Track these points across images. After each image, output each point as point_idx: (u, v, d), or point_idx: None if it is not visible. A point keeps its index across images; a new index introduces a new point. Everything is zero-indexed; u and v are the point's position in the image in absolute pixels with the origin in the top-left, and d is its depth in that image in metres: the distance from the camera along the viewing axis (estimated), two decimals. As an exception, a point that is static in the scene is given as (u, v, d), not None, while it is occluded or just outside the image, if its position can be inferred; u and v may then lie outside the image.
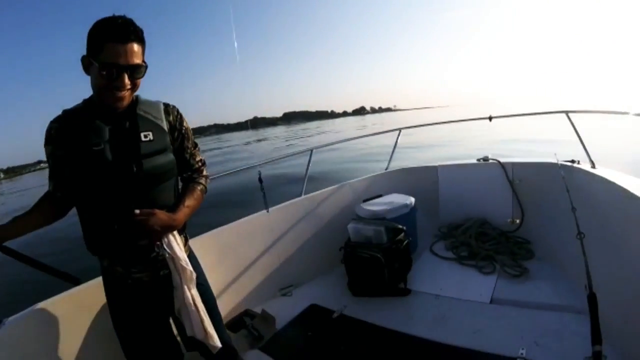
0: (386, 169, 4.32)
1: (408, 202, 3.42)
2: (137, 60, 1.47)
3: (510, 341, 2.22)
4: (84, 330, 2.16)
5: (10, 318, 1.99)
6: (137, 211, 1.49)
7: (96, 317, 2.19)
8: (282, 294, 3.08)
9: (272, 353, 2.28)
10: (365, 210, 3.33)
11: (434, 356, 2.24)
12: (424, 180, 4.13)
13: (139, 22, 1.49)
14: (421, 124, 4.94)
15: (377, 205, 3.38)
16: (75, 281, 1.91)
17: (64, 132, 1.53)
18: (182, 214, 1.63)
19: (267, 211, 3.16)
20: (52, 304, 2.09)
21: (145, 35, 1.52)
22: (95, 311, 2.18)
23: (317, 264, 3.33)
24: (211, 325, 1.69)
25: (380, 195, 3.67)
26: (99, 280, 1.99)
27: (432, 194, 4.06)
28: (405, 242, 2.98)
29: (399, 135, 4.50)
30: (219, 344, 1.69)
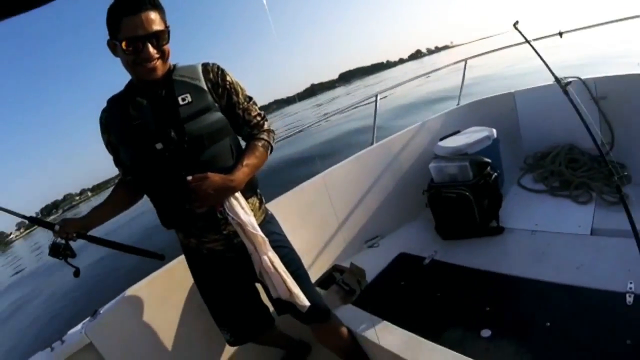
0: (457, 104, 4.01)
1: (489, 133, 3.13)
2: (157, 27, 1.39)
3: (616, 275, 2.02)
4: (175, 307, 2.24)
5: (104, 307, 2.11)
6: (189, 177, 1.42)
7: (186, 292, 2.25)
8: (369, 246, 3.00)
9: (365, 306, 2.20)
10: (445, 147, 3.07)
11: (535, 295, 2.08)
12: (501, 109, 3.81)
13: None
14: (485, 51, 4.52)
15: (456, 141, 3.11)
16: (161, 257, 1.91)
17: (111, 118, 1.55)
18: (241, 173, 1.53)
19: (343, 165, 3.04)
20: (141, 288, 2.18)
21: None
22: (184, 287, 2.24)
23: (402, 210, 3.20)
24: (295, 285, 1.62)
25: (458, 132, 3.39)
26: (182, 256, 2.04)
27: (512, 124, 3.76)
28: (494, 176, 2.74)
29: (465, 66, 4.15)
30: (307, 302, 1.63)
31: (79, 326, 2.09)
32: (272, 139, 1.70)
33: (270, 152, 1.70)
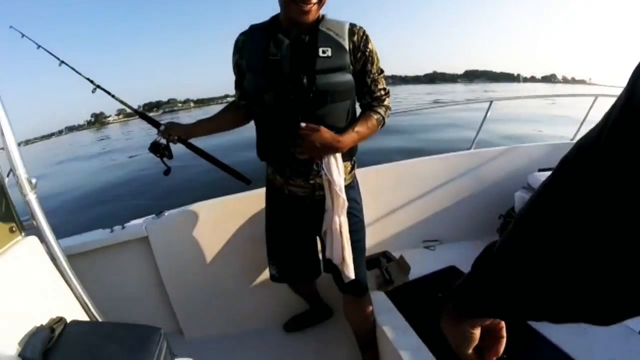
0: (572, 139, 3.70)
1: None
2: None
3: None
4: (230, 233, 2.39)
5: (170, 211, 2.30)
6: (303, 124, 1.49)
7: (245, 223, 2.38)
8: (425, 247, 2.97)
9: (396, 300, 2.21)
10: (540, 180, 2.84)
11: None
12: None
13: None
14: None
15: None
16: (247, 181, 2.03)
17: (248, 43, 1.60)
18: (349, 138, 1.58)
19: (431, 158, 3.00)
20: (206, 205, 2.36)
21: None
22: (245, 217, 2.38)
23: (471, 225, 3.10)
24: (350, 256, 1.68)
25: None
26: (260, 190, 2.15)
27: None
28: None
29: (594, 101, 3.79)
30: (352, 275, 1.69)
31: (142, 220, 2.32)
32: (387, 115, 1.73)
33: (381, 128, 1.73)
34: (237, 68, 1.71)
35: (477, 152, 3.18)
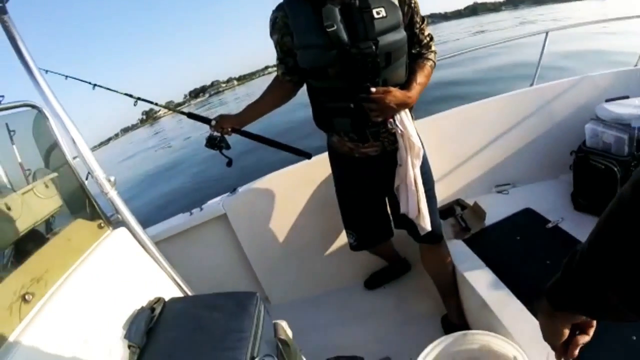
0: (636, 64, 3.38)
1: None
2: None
3: None
4: (303, 202, 2.45)
5: (243, 186, 2.37)
6: (374, 89, 1.49)
7: (315, 190, 2.43)
8: (498, 191, 2.87)
9: (474, 247, 2.18)
10: (608, 111, 2.68)
11: None
12: None
13: None
14: None
15: (623, 108, 2.69)
16: (308, 156, 2.07)
17: (292, 19, 1.55)
18: (415, 91, 1.60)
19: (493, 100, 2.89)
20: (277, 176, 2.42)
21: None
22: (315, 185, 2.42)
23: (542, 165, 2.98)
24: (426, 207, 1.69)
25: (627, 97, 2.91)
26: (323, 155, 2.15)
27: None
28: (650, 160, 2.41)
29: None
30: (429, 227, 1.70)
31: (218, 199, 2.43)
32: (436, 59, 1.72)
33: (432, 73, 1.72)
34: (280, 47, 1.68)
35: (540, 88, 3.02)
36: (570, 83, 3.05)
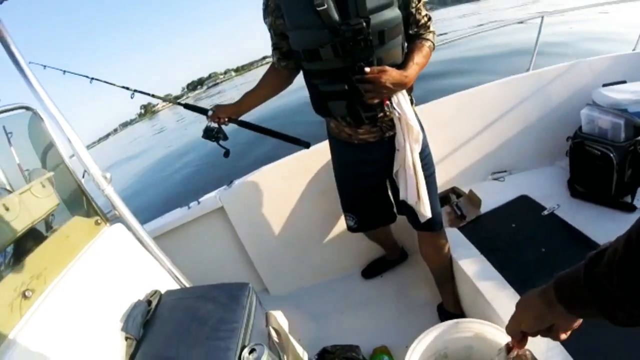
0: (634, 49, 3.36)
1: None
2: None
3: None
4: (301, 190, 2.46)
5: (240, 179, 2.38)
6: (368, 69, 1.46)
7: (313, 177, 2.43)
8: (494, 178, 2.88)
9: (469, 235, 2.20)
10: (605, 96, 2.68)
11: None
12: None
13: None
14: None
15: (619, 93, 2.68)
16: (306, 145, 2.05)
17: (284, 1, 1.52)
18: (413, 70, 1.55)
19: (489, 86, 2.87)
20: (274, 167, 2.42)
21: None
22: (312, 172, 2.42)
23: (538, 151, 2.98)
24: (426, 193, 1.67)
25: (624, 82, 2.89)
26: (323, 143, 2.16)
27: None
28: (647, 146, 2.42)
29: None
30: (429, 213, 1.69)
31: (215, 192, 2.45)
32: (434, 40, 1.68)
33: (431, 55, 1.69)
34: (274, 30, 1.65)
35: (537, 73, 3.00)
36: (567, 68, 3.04)
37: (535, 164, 2.95)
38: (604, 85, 2.88)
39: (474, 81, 2.91)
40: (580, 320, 0.73)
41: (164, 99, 2.56)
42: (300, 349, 1.62)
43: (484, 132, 2.84)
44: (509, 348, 0.82)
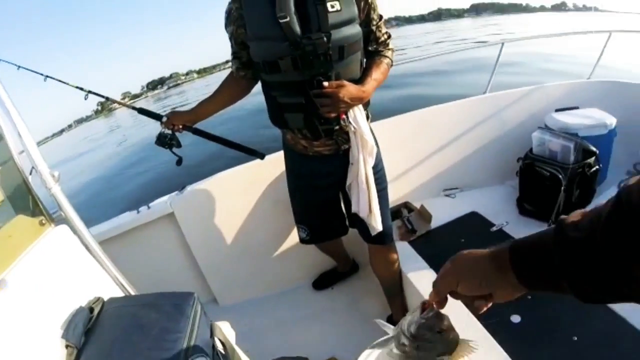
0: (589, 77, 3.55)
1: (608, 122, 2.80)
2: None
3: None
4: (254, 200, 2.44)
5: (192, 185, 2.35)
6: (326, 83, 1.48)
7: (267, 188, 2.43)
8: (446, 195, 2.97)
9: (419, 249, 2.26)
10: (556, 120, 2.86)
11: (578, 310, 1.94)
12: (634, 101, 3.28)
13: None
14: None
15: (571, 117, 2.87)
16: (261, 156, 2.06)
17: (246, 9, 1.52)
18: (370, 86, 1.59)
19: (446, 106, 2.96)
20: (228, 176, 2.39)
21: None
22: (266, 183, 2.42)
23: (490, 171, 3.09)
24: (377, 206, 1.70)
25: (576, 108, 3.08)
26: (278, 153, 2.17)
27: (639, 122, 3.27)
28: (594, 168, 2.56)
29: (609, 38, 3.57)
30: (379, 226, 1.72)
31: (166, 197, 2.40)
32: (393, 57, 1.73)
33: (388, 71, 1.74)
34: (235, 38, 1.65)
35: (493, 96, 3.12)
36: (523, 92, 3.17)
37: (486, 183, 3.06)
38: (557, 110, 3.03)
39: (432, 95, 3.00)
40: (519, 294, 0.65)
41: (119, 103, 2.51)
42: (248, 361, 1.60)
43: (439, 150, 2.92)
44: (424, 307, 0.72)
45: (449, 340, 0.70)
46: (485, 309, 0.69)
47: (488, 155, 3.07)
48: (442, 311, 0.72)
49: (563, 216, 0.58)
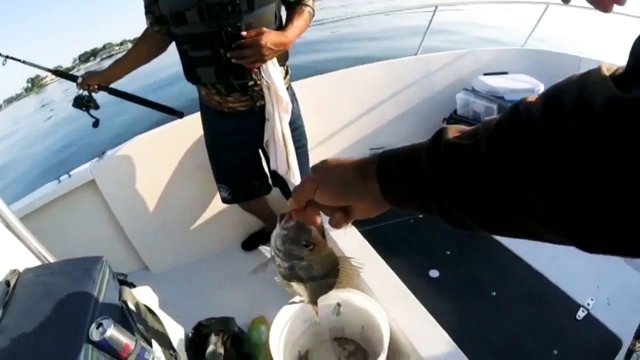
0: (523, 45, 3.67)
1: (535, 88, 2.88)
2: None
3: (584, 285, 1.98)
4: (176, 161, 2.39)
5: (112, 150, 2.25)
6: (245, 33, 1.45)
7: (188, 149, 2.38)
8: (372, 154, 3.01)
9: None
10: (483, 83, 2.92)
11: (497, 261, 2.12)
12: (560, 70, 3.34)
13: None
14: None
15: (498, 82, 2.93)
16: (180, 115, 2.01)
17: None
18: (292, 32, 1.56)
19: (373, 65, 2.96)
20: (147, 138, 2.32)
21: None
22: (187, 144, 2.37)
23: (417, 129, 3.15)
24: (296, 163, 1.72)
25: (505, 73, 3.17)
26: (196, 114, 2.12)
27: None
28: (518, 129, 2.66)
29: (545, 10, 3.61)
30: (298, 182, 1.72)
31: (87, 164, 2.28)
32: (314, 6, 1.69)
33: (311, 20, 1.71)
34: None
35: (422, 57, 3.16)
36: (454, 55, 3.24)
37: (413, 140, 3.13)
38: (485, 74, 3.11)
39: (362, 57, 2.99)
40: (382, 211, 0.60)
41: (35, 65, 2.36)
42: (175, 325, 1.58)
43: (367, 109, 2.95)
44: (282, 218, 0.68)
45: (323, 257, 0.67)
46: (344, 224, 0.64)
47: (415, 116, 3.13)
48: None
49: (446, 125, 0.51)
